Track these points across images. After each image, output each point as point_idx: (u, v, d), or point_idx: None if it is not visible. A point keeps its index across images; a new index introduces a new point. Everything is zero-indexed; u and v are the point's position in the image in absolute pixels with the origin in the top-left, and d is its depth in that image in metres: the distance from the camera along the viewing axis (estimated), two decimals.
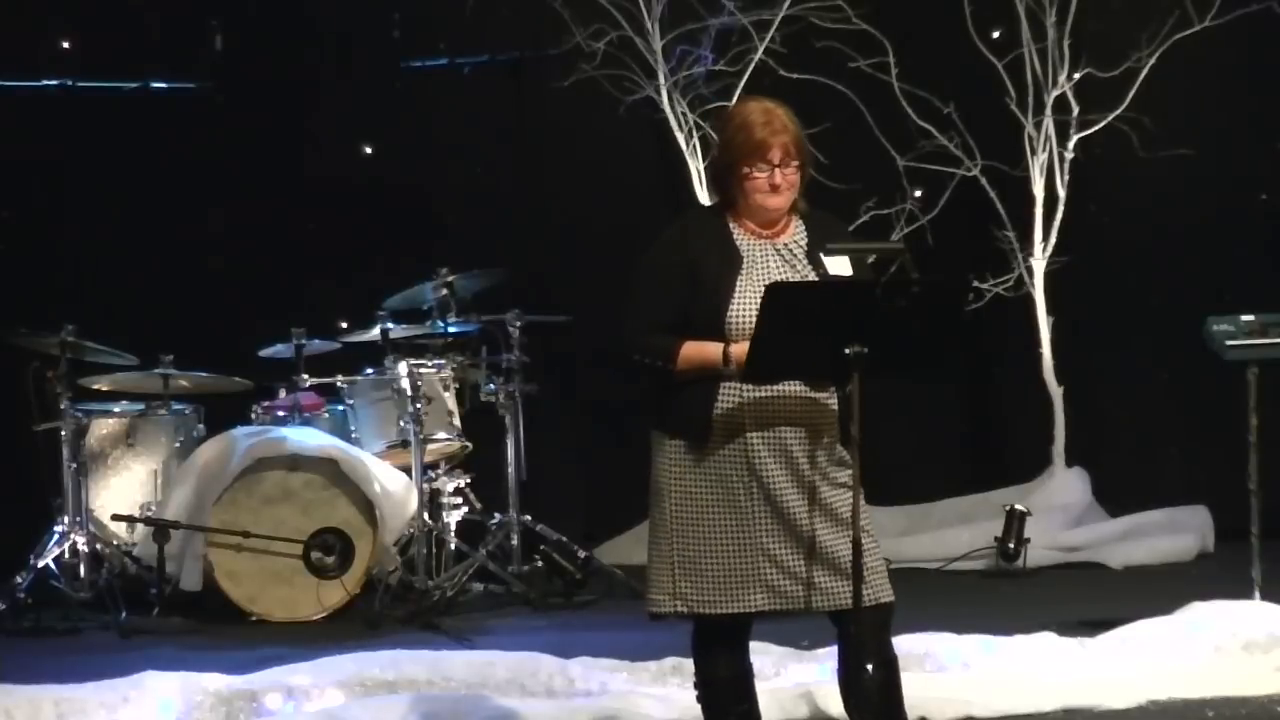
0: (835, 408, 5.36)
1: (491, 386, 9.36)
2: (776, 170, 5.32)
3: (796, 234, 5.43)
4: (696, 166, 10.15)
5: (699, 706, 5.60)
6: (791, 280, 5.30)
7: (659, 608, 5.37)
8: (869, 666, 5.27)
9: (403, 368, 9.04)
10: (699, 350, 5.25)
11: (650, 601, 5.39)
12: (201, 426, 9.28)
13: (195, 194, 10.32)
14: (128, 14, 10.32)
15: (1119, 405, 10.57)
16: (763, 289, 5.13)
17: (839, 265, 5.34)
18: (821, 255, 5.36)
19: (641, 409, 5.42)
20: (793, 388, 5.30)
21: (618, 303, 5.36)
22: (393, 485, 8.87)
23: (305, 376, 9.17)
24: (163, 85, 10.52)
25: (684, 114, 10.09)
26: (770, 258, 5.36)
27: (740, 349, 5.19)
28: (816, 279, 5.34)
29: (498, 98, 10.69)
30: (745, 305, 5.24)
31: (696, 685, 5.55)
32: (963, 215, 10.14)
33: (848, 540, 5.24)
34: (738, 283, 5.29)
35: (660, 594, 5.36)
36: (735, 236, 5.37)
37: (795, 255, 5.39)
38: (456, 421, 9.24)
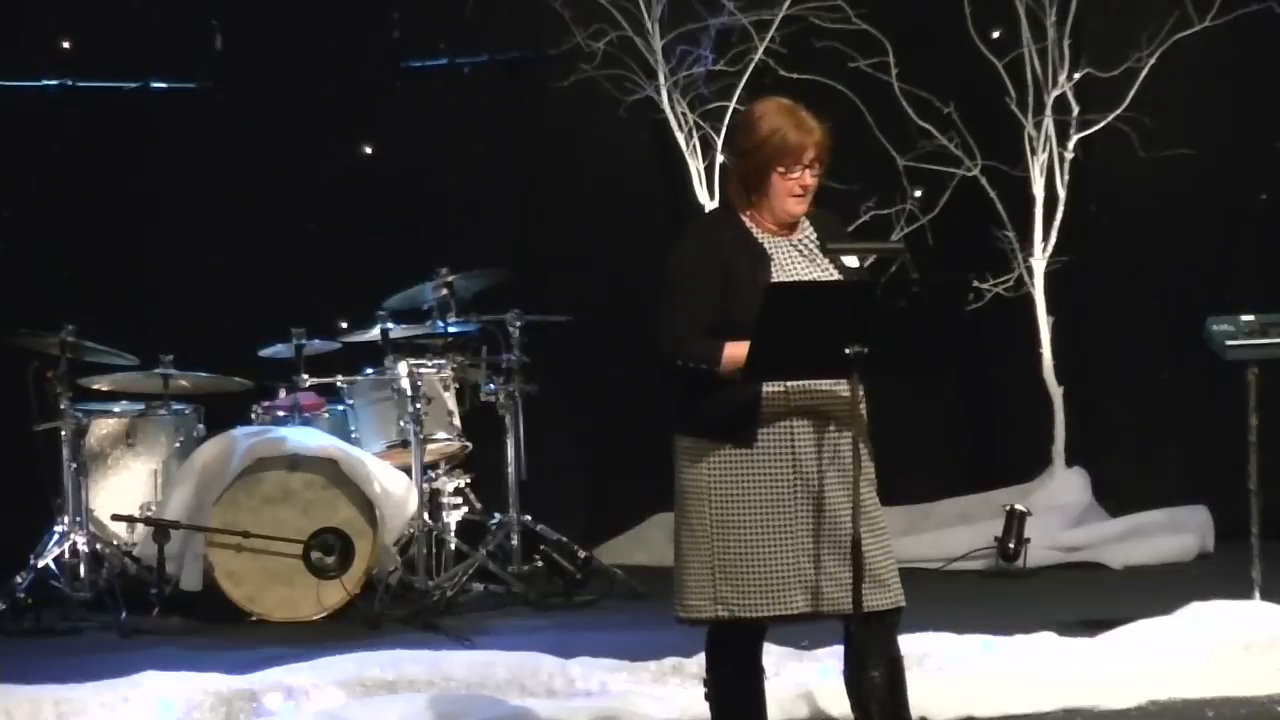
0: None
1: (491, 386, 9.35)
2: (806, 172, 5.33)
3: (807, 231, 5.46)
4: (696, 166, 10.14)
5: (700, 706, 5.60)
6: (795, 280, 5.32)
7: (698, 613, 5.33)
8: (879, 667, 5.27)
9: (403, 368, 9.03)
10: (744, 350, 5.20)
11: (687, 608, 5.35)
12: (201, 426, 9.27)
13: (195, 194, 10.31)
14: (128, 14, 10.30)
15: (1119, 405, 10.56)
16: None
17: (851, 260, 5.40)
18: (834, 252, 5.39)
19: (679, 414, 5.35)
20: (836, 385, 5.29)
21: (650, 309, 5.33)
22: (393, 485, 8.86)
23: (305, 376, 9.16)
24: (163, 85, 10.50)
25: (684, 114, 10.08)
26: (792, 255, 5.39)
27: None
28: (836, 274, 5.38)
29: (498, 98, 10.67)
30: None
31: (706, 684, 5.53)
32: (963, 215, 10.13)
33: (880, 543, 5.26)
34: (772, 280, 5.28)
35: (699, 599, 5.32)
36: (757, 235, 5.38)
37: (813, 251, 5.41)
38: (456, 421, 9.24)
